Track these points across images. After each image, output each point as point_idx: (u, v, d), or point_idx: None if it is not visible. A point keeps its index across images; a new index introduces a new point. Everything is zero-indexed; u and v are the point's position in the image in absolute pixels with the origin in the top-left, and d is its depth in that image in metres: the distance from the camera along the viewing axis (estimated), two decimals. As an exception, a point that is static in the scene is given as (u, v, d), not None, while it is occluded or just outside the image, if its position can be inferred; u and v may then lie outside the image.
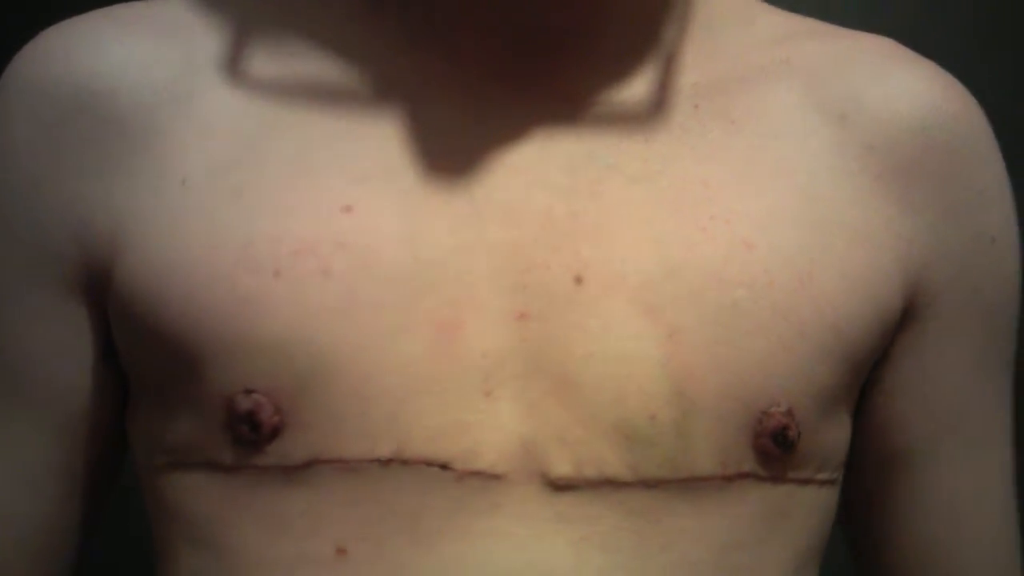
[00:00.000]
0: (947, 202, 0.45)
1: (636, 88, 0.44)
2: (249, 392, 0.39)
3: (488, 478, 0.39)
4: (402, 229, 0.40)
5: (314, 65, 0.43)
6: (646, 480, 0.40)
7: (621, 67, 0.44)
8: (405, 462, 0.39)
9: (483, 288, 0.40)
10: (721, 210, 0.42)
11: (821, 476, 0.44)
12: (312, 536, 0.39)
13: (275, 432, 0.39)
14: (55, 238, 0.42)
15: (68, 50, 0.43)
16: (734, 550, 0.41)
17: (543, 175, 0.42)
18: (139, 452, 0.44)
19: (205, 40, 0.43)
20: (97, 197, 0.41)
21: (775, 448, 0.41)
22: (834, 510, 0.46)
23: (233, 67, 0.43)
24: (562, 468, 0.39)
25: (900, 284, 0.44)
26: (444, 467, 0.39)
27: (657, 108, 0.43)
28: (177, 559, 0.42)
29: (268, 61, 0.43)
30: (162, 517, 0.43)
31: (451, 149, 0.42)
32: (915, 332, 0.46)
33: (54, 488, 0.45)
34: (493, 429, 0.39)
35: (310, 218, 0.40)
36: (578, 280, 0.40)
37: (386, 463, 0.39)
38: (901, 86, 0.46)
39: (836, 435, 0.44)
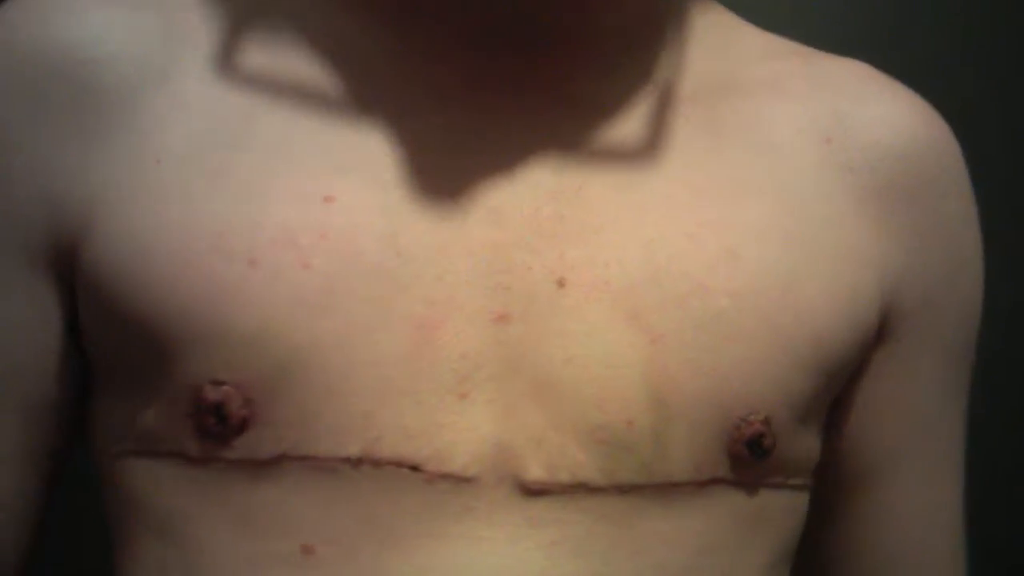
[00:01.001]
0: (920, 227, 0.46)
1: (626, 91, 0.44)
2: (218, 383, 0.37)
3: (459, 481, 0.38)
4: (384, 224, 0.39)
5: (298, 53, 0.42)
6: (620, 486, 0.39)
7: (610, 70, 0.44)
8: (376, 463, 0.38)
9: (463, 288, 0.39)
10: (709, 218, 0.42)
11: (793, 481, 0.44)
12: (278, 534, 0.38)
13: (243, 425, 0.38)
14: (24, 206, 0.40)
15: (46, 14, 0.41)
16: (709, 554, 0.41)
17: (530, 176, 0.41)
18: (99, 438, 0.43)
19: (187, 16, 0.42)
20: (72, 168, 0.40)
21: (749, 456, 0.41)
22: (805, 513, 0.47)
23: (210, 47, 0.41)
24: (536, 472, 0.39)
25: (877, 303, 0.45)
26: (414, 469, 0.38)
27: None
28: (140, 551, 0.41)
29: (251, 46, 0.42)
30: (124, 507, 0.41)
31: (435, 147, 0.41)
32: (886, 352, 0.46)
33: (8, 474, 0.43)
34: (466, 431, 0.39)
35: (290, 206, 0.39)
36: (561, 283, 0.40)
37: (356, 463, 0.38)
38: (881, 112, 0.46)
39: (809, 443, 0.45)
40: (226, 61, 0.41)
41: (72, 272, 0.40)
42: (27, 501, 0.44)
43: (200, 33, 0.41)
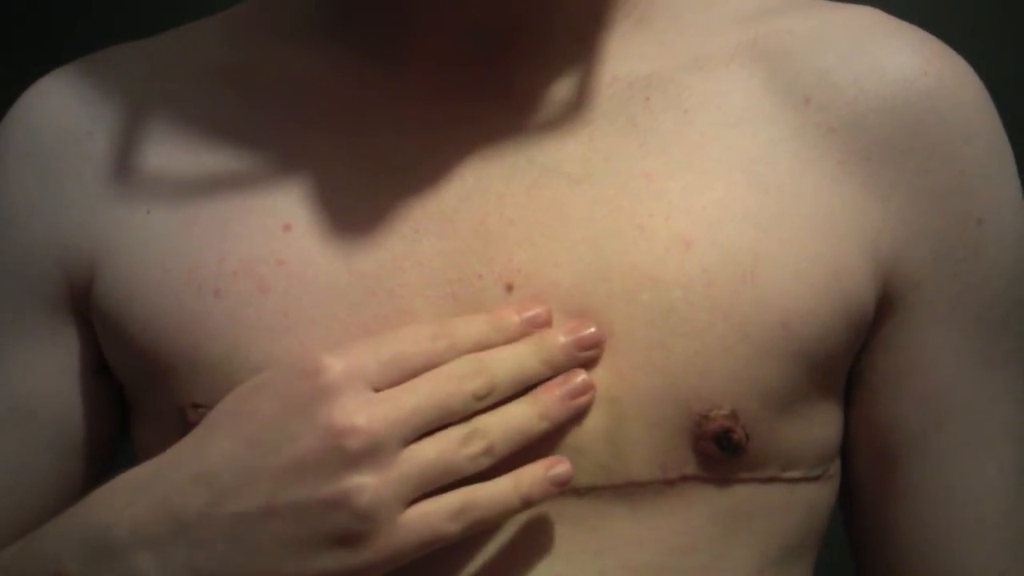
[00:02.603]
0: (919, 184, 0.42)
1: (576, 84, 0.43)
2: (196, 406, 0.41)
3: None
4: (339, 245, 0.41)
5: (264, 88, 0.45)
6: (576, 488, 0.40)
7: (564, 66, 0.43)
8: None
9: (415, 301, 0.41)
10: (661, 206, 0.41)
11: (791, 474, 0.42)
12: None
13: None
14: (42, 262, 0.45)
15: (54, 96, 0.46)
16: (686, 553, 0.40)
17: (480, 183, 0.42)
18: (137, 455, 0.47)
19: (163, 74, 0.46)
20: (78, 226, 0.45)
21: (719, 451, 0.40)
22: (824, 506, 0.45)
23: (185, 99, 0.45)
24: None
25: (870, 275, 0.42)
26: None
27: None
28: None
29: (218, 90, 0.45)
30: None
31: (386, 164, 0.42)
32: (894, 324, 0.43)
33: (55, 503, 0.46)
34: None
35: (251, 237, 0.42)
36: (509, 288, 0.40)
37: None
38: (871, 63, 0.42)
39: (807, 433, 0.42)
40: (200, 112, 0.44)
41: (89, 313, 0.45)
42: None
43: (173, 95, 0.45)
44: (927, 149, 0.42)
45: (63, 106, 0.46)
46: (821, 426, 0.43)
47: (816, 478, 0.43)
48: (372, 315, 0.41)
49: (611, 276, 0.40)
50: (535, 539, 0.40)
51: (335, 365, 0.37)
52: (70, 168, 0.45)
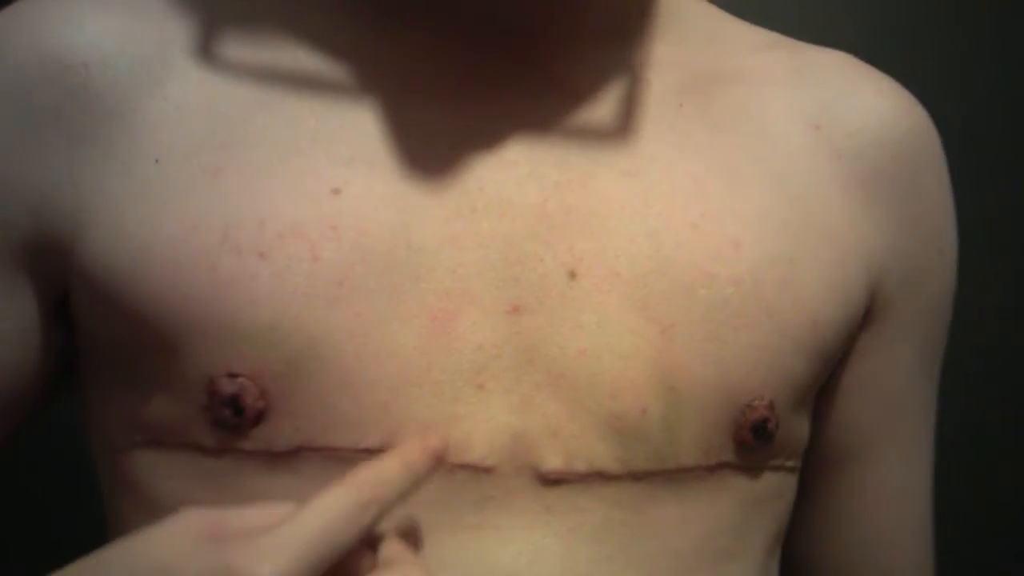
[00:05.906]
0: (903, 213, 0.47)
1: (622, 81, 0.44)
2: (233, 376, 0.37)
3: (478, 471, 0.39)
4: (394, 216, 0.39)
5: (295, 51, 0.42)
6: (634, 472, 0.40)
7: (606, 59, 0.44)
8: None
9: (476, 281, 0.39)
10: (711, 208, 0.42)
11: (789, 464, 0.46)
12: None
13: (259, 417, 0.37)
14: (7, 207, 0.39)
15: (39, 22, 0.40)
16: (715, 537, 0.42)
17: (535, 169, 0.41)
18: (99, 432, 0.42)
19: (181, 18, 0.41)
20: (60, 170, 0.39)
21: (754, 439, 0.42)
22: (795, 495, 0.48)
23: (207, 47, 0.41)
24: (553, 462, 0.39)
25: (864, 286, 0.46)
26: None
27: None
28: None
29: (245, 43, 0.41)
30: (130, 497, 0.41)
31: (437, 138, 0.41)
32: (871, 334, 0.48)
33: None
34: (484, 422, 0.39)
35: (297, 199, 0.38)
36: (572, 275, 0.40)
37: (375, 454, 0.37)
38: (867, 101, 0.47)
39: (804, 426, 0.46)
40: (216, 60, 0.40)
41: (64, 272, 0.40)
42: None
43: (192, 34, 0.41)
44: (908, 182, 0.47)
45: (48, 32, 0.40)
46: (807, 420, 0.47)
47: (797, 469, 0.47)
48: (432, 291, 0.39)
49: (670, 270, 0.41)
50: (593, 523, 0.40)
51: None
52: (52, 103, 0.39)
